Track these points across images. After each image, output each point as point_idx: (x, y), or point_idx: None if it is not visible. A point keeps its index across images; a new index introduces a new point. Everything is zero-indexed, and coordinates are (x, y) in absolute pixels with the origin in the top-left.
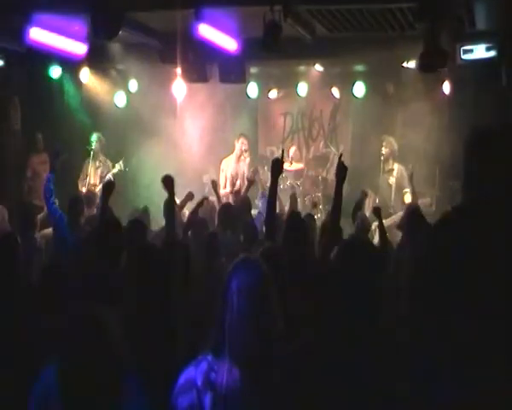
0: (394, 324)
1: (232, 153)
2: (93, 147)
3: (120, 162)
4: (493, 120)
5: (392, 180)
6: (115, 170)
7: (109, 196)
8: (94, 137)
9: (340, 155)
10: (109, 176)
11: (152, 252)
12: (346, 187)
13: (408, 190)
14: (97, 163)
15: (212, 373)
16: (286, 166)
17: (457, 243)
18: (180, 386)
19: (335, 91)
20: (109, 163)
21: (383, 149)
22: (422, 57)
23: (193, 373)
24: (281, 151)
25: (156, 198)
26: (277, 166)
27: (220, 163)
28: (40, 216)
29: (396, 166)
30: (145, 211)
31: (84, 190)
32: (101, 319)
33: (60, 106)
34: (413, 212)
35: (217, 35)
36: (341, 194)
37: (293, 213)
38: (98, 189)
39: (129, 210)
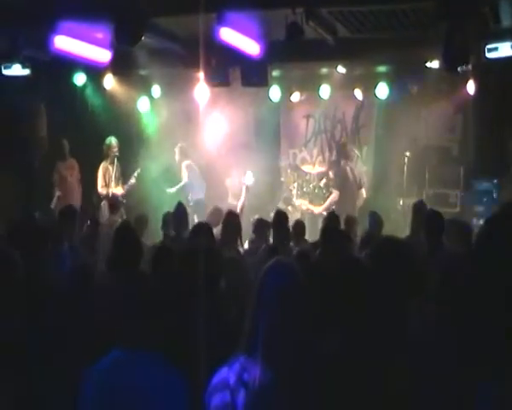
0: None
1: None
2: (117, 153)
3: (139, 169)
4: None
5: None
6: (136, 173)
7: None
8: (113, 142)
9: None
10: (132, 181)
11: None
12: (370, 189)
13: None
14: (114, 168)
15: (245, 373)
16: (309, 168)
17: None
18: (213, 386)
19: (358, 93)
20: (118, 165)
21: None
22: (444, 56)
23: (226, 374)
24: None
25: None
26: None
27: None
28: None
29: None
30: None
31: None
32: None
33: (84, 112)
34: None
35: (239, 38)
36: None
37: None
38: (121, 192)
39: (153, 214)
